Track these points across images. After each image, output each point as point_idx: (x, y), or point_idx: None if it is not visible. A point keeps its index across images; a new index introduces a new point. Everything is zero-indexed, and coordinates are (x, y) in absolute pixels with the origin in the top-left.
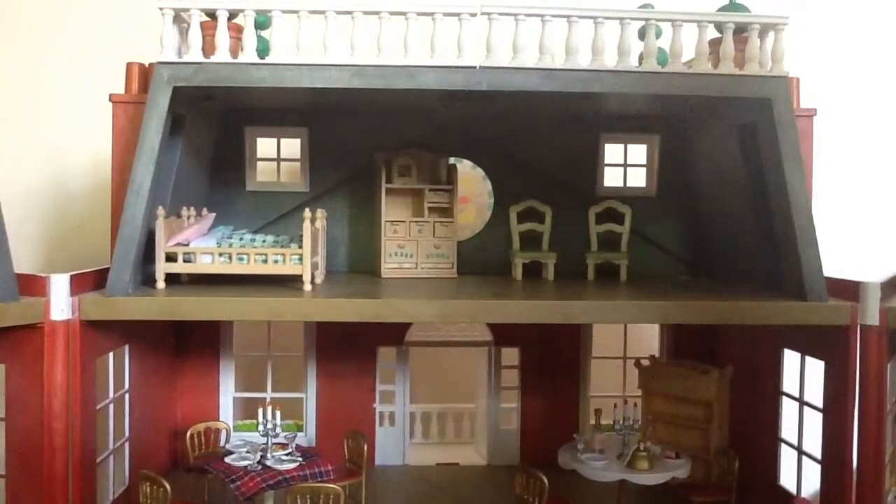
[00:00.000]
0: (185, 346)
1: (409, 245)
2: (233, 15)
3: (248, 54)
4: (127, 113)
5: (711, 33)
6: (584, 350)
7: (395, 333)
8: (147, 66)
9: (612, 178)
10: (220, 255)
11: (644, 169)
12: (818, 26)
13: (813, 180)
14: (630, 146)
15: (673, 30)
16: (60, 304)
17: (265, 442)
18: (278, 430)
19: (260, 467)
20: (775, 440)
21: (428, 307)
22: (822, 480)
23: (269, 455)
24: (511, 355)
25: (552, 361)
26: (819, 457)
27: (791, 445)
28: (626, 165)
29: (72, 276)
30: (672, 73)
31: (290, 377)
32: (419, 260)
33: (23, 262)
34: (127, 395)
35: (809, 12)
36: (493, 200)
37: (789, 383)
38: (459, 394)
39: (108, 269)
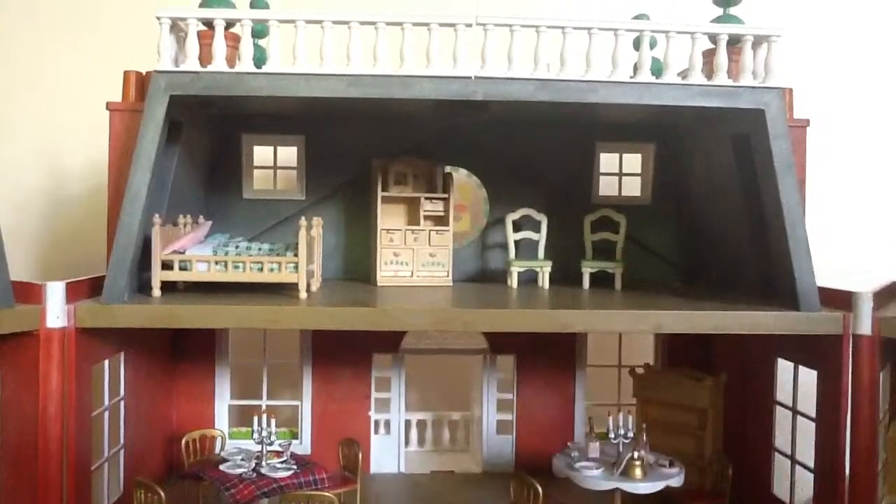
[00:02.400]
0: (181, 354)
1: (405, 253)
2: (230, 24)
3: (245, 63)
4: (124, 121)
5: (705, 44)
6: (579, 358)
7: (390, 341)
8: (144, 74)
9: (607, 187)
10: (217, 263)
11: (639, 178)
12: (812, 37)
13: (806, 190)
14: (625, 155)
15: (667, 41)
16: (56, 311)
17: (260, 449)
18: (273, 437)
19: (255, 475)
20: (769, 449)
21: (423, 316)
22: (815, 489)
23: (263, 463)
24: (506, 363)
25: (547, 369)
26: (812, 466)
27: (784, 454)
28: (621, 174)
29: (67, 284)
30: (665, 84)
31: (285, 385)
32: (415, 268)
33: (18, 267)
34: (122, 403)
35: (803, 24)
36: (488, 208)
37: (783, 392)
38: (455, 401)
39: (103, 277)
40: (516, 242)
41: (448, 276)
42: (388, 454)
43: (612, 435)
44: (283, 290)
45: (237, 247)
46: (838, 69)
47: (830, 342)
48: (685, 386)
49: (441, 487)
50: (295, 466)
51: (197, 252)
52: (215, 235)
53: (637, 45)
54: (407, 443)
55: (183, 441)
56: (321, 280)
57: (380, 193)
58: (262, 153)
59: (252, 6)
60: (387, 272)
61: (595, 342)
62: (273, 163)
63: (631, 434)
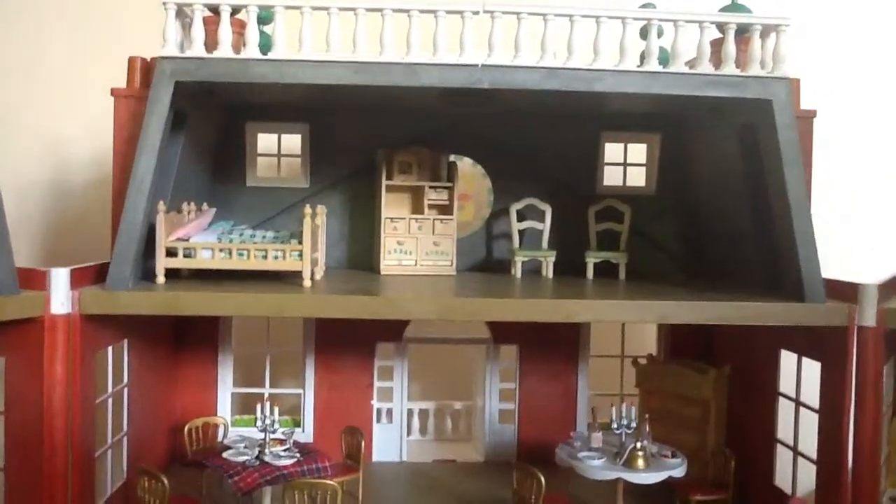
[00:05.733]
0: (184, 341)
1: (409, 242)
2: (235, 10)
3: (251, 50)
4: (128, 107)
5: (713, 34)
6: (582, 348)
7: (393, 330)
8: (149, 60)
9: (611, 177)
10: (221, 250)
11: (644, 168)
12: (821, 27)
13: (812, 181)
14: (630, 145)
15: (675, 30)
16: (61, 298)
17: (263, 437)
18: (276, 425)
19: (258, 463)
20: (771, 440)
21: (427, 305)
22: (818, 481)
23: (266, 451)
24: (509, 353)
25: (550, 359)
26: (815, 457)
27: (787, 446)
28: (625, 164)
29: (72, 271)
30: (673, 74)
31: (288, 373)
32: (418, 257)
33: (23, 254)
34: (126, 390)
35: (812, 13)
36: (492, 198)
37: (786, 384)
38: (457, 391)
39: (108, 264)
40: (520, 232)
41: (452, 265)
42: (390, 443)
43: (614, 425)
44: (286, 278)
45: (241, 234)
46: (847, 59)
47: (835, 334)
48: (688, 377)
49: (443, 476)
50: (298, 454)
51: (201, 239)
52: (219, 223)
53: (645, 33)
54: (409, 432)
55: (186, 428)
56: (325, 268)
57: (384, 182)
58: (266, 141)
59: None
60: (390, 261)
61: (598, 332)
62: (277, 150)
63: (634, 424)
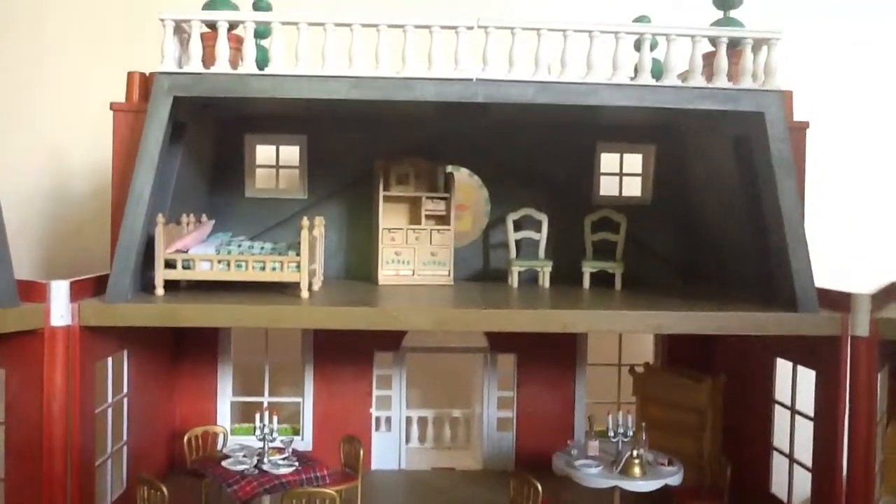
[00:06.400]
0: (184, 351)
1: (406, 252)
2: (232, 26)
3: (248, 65)
4: (128, 121)
5: (705, 47)
6: (580, 357)
7: (391, 339)
8: (148, 75)
9: (607, 187)
10: (219, 262)
11: (640, 178)
12: (812, 40)
13: (805, 192)
14: (626, 155)
15: (667, 44)
16: (60, 310)
17: (262, 446)
18: (275, 434)
19: (256, 471)
20: (767, 448)
21: (424, 315)
22: (813, 489)
23: (265, 459)
24: (507, 361)
25: (547, 368)
26: (810, 465)
27: (782, 453)
28: (621, 175)
29: (72, 283)
30: (665, 87)
31: (287, 382)
32: (416, 267)
33: (23, 266)
34: (125, 400)
35: (803, 26)
36: (489, 208)
37: (781, 392)
38: (455, 399)
39: (107, 276)
40: (517, 242)
41: (449, 275)
42: (389, 451)
43: (611, 433)
44: (285, 289)
45: (240, 246)
46: (838, 72)
47: (829, 343)
48: (684, 386)
49: (441, 484)
50: (297, 463)
51: (200, 251)
52: (217, 234)
53: (638, 46)
54: (408, 440)
55: (185, 438)
56: (323, 279)
57: (381, 193)
58: (264, 152)
59: (255, 8)
60: (388, 271)
61: (595, 341)
62: (275, 162)
63: (630, 433)
